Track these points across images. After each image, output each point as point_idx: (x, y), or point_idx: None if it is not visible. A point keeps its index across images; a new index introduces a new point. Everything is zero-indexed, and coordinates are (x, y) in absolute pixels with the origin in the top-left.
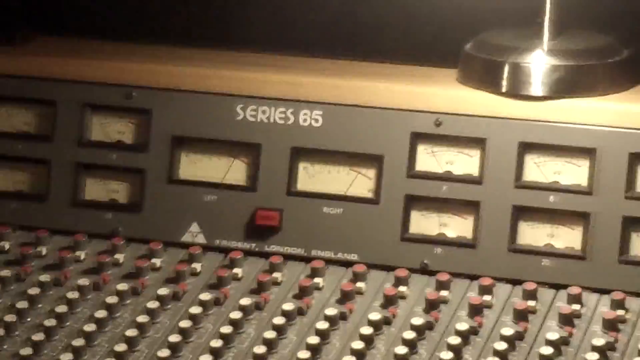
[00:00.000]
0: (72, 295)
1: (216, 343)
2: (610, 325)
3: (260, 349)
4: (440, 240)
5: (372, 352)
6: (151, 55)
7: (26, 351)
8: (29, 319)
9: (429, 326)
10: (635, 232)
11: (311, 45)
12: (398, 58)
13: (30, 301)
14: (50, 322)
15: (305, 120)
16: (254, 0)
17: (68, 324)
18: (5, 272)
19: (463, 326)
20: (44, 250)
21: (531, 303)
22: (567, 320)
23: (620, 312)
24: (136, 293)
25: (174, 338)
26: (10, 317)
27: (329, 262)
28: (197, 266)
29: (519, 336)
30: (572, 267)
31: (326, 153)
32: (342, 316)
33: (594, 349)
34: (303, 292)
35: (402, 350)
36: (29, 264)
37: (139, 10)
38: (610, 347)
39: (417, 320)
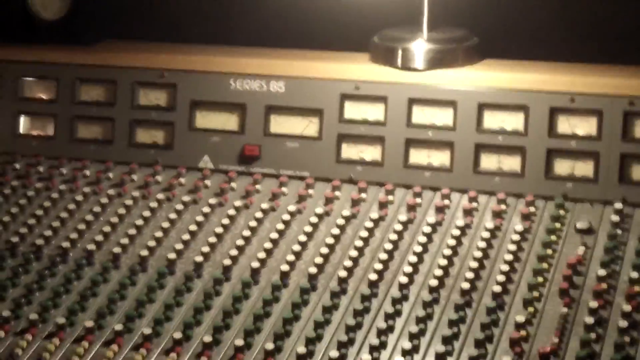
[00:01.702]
0: (129, 202)
1: (219, 229)
2: (467, 213)
3: (246, 233)
4: (360, 162)
5: (317, 233)
6: (174, 50)
7: (114, 219)
8: (108, 210)
9: (352, 216)
10: (483, 154)
11: (276, 39)
12: (329, 46)
13: (103, 206)
14: (119, 215)
15: (273, 88)
16: (237, 12)
17: (128, 217)
18: (87, 189)
19: (375, 214)
20: (111, 174)
21: (418, 200)
22: (439, 209)
23: (474, 204)
24: (169, 199)
25: (193, 227)
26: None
27: (290, 177)
28: (207, 182)
29: (410, 221)
30: (443, 176)
31: (288, 109)
32: (299, 211)
33: (457, 227)
34: (274, 197)
35: (336, 231)
36: (101, 184)
37: (169, 20)
38: (467, 226)
39: (346, 212)
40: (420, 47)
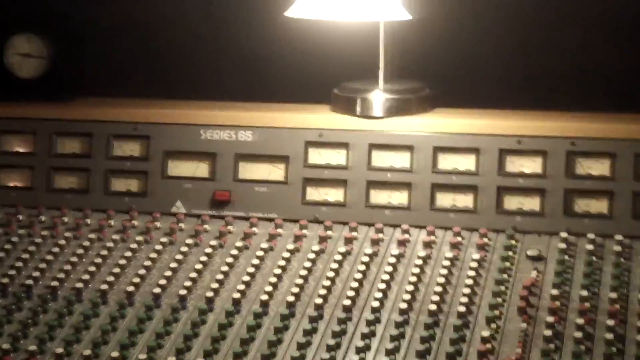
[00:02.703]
0: (110, 244)
1: (198, 266)
2: (427, 245)
3: (224, 268)
4: (325, 203)
5: (290, 267)
6: (147, 104)
7: (97, 259)
8: (90, 252)
9: (321, 251)
10: (439, 193)
11: (243, 92)
12: (292, 98)
13: (85, 248)
14: (102, 256)
15: (242, 137)
16: (206, 67)
17: (110, 258)
18: (68, 234)
19: (342, 249)
20: (89, 220)
21: (380, 235)
22: (401, 243)
23: (432, 237)
24: (148, 242)
25: (173, 264)
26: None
27: (260, 219)
28: (182, 225)
29: (374, 254)
30: (402, 214)
31: (256, 156)
32: (271, 248)
33: (419, 257)
34: (246, 236)
35: (307, 264)
36: (81, 230)
37: (141, 77)
38: (428, 257)
39: (315, 247)
40: (378, 97)
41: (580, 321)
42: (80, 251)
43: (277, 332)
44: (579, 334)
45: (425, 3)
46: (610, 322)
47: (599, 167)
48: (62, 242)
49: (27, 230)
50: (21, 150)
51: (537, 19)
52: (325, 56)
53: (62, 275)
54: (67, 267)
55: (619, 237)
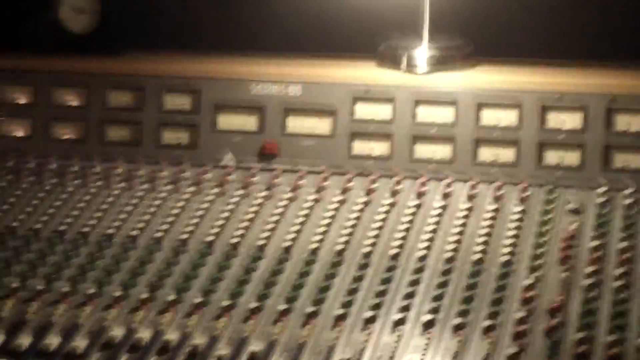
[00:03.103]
0: (162, 194)
1: (248, 215)
2: (470, 198)
3: (273, 218)
4: (370, 157)
5: (338, 217)
6: (197, 58)
7: (152, 209)
8: (143, 202)
9: (368, 203)
10: (482, 147)
11: (291, 44)
12: (338, 50)
13: (139, 197)
14: (156, 206)
15: (290, 91)
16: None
17: (162, 207)
18: (121, 185)
19: (388, 201)
20: (141, 172)
21: (424, 188)
22: (445, 195)
23: (475, 191)
24: (198, 192)
25: (225, 214)
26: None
27: (307, 172)
28: (232, 177)
29: (419, 205)
30: (445, 168)
31: (303, 110)
32: (317, 200)
33: (462, 210)
34: (294, 188)
35: (354, 215)
36: (133, 181)
37: (190, 30)
38: (470, 209)
39: (361, 199)
40: (422, 53)
41: (618, 271)
42: (134, 201)
43: (327, 279)
44: (617, 283)
45: None
46: None
47: (637, 123)
48: (116, 192)
49: (81, 181)
50: (74, 103)
51: None
52: (371, 9)
53: (117, 224)
54: (122, 215)
55: None
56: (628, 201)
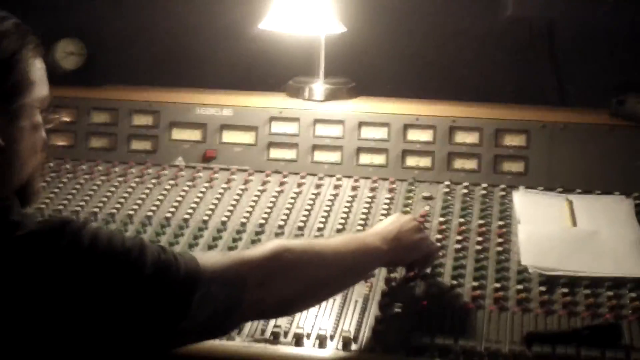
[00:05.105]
0: (132, 184)
1: (195, 199)
2: (354, 189)
3: (214, 201)
4: (283, 160)
5: (260, 200)
6: (158, 90)
7: (125, 195)
8: (118, 190)
9: (280, 192)
10: (362, 154)
11: (223, 82)
12: (256, 86)
13: (115, 186)
14: (127, 192)
15: (225, 113)
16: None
17: (132, 194)
18: (101, 178)
19: (295, 190)
20: (116, 169)
21: (321, 182)
22: (336, 187)
23: (358, 184)
24: (159, 184)
25: (179, 198)
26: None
27: (237, 170)
28: (182, 173)
29: (317, 194)
30: (336, 168)
31: (234, 126)
32: (244, 189)
33: (349, 196)
34: (228, 181)
35: (272, 199)
36: (110, 175)
37: (153, 69)
38: (354, 196)
39: (276, 189)
40: (319, 87)
41: (458, 238)
42: (111, 189)
43: (234, 242)
44: (457, 246)
45: (355, 19)
46: (478, 239)
47: (470, 138)
48: (98, 183)
49: (72, 175)
50: (67, 119)
51: (429, 35)
52: (282, 56)
53: (99, 205)
54: (103, 199)
55: (484, 184)
56: (464, 191)
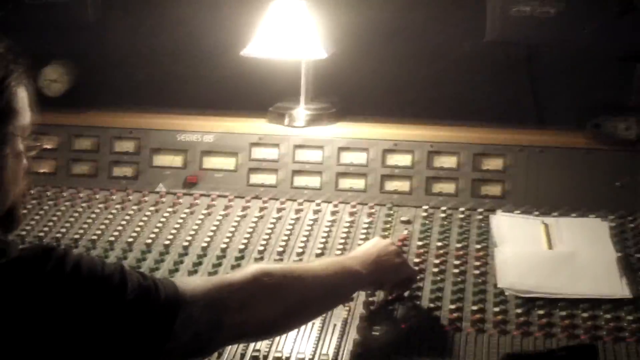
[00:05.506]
0: (113, 211)
1: (176, 225)
2: (333, 213)
3: (195, 227)
4: (263, 185)
5: (240, 226)
6: (139, 115)
7: (106, 221)
8: (100, 216)
9: (261, 217)
10: (341, 179)
11: (203, 106)
12: (241, 112)
13: (96, 213)
14: (108, 219)
15: (206, 139)
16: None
17: (114, 221)
18: (83, 205)
19: (275, 216)
20: (97, 196)
21: (301, 207)
22: (316, 212)
23: (337, 208)
24: (140, 210)
25: (159, 224)
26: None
27: (218, 196)
28: (163, 199)
29: (297, 219)
30: (316, 193)
31: (215, 152)
32: (224, 215)
33: (328, 221)
34: (209, 207)
35: (252, 224)
36: (92, 202)
37: (134, 95)
38: (334, 221)
39: (256, 214)
40: (300, 112)
41: (436, 261)
42: (92, 216)
43: (233, 268)
44: (435, 269)
45: (338, 42)
46: (457, 262)
47: (449, 162)
48: (80, 209)
49: (53, 202)
50: (49, 146)
51: (410, 57)
52: (263, 81)
53: (80, 232)
54: (84, 226)
55: (463, 209)
56: (443, 215)
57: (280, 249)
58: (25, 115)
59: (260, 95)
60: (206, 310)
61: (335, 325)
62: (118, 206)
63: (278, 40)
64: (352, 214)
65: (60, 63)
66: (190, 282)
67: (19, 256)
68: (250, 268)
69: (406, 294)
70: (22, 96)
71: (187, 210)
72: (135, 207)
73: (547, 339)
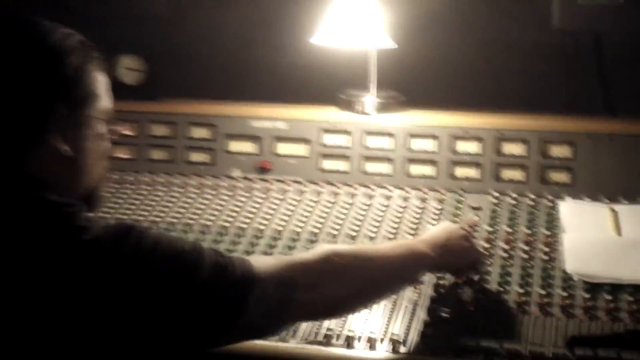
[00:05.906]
0: (192, 195)
1: (252, 209)
2: (405, 199)
3: (270, 211)
4: (335, 171)
5: (314, 209)
6: (214, 103)
7: (185, 205)
8: (178, 199)
9: (334, 202)
10: (412, 165)
11: (276, 96)
12: (312, 101)
13: (175, 197)
14: (187, 202)
15: (280, 126)
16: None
17: (192, 204)
18: (161, 189)
19: (348, 201)
20: (175, 180)
21: (372, 192)
22: (387, 197)
23: (408, 194)
24: (216, 195)
25: (235, 208)
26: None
27: (293, 182)
28: (239, 185)
29: (369, 205)
30: (387, 179)
31: (288, 138)
32: (298, 200)
33: (398, 206)
34: (283, 192)
35: (326, 209)
36: (170, 187)
37: (210, 83)
38: (405, 206)
39: (330, 199)
40: (370, 100)
41: (505, 246)
42: (171, 199)
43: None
44: (504, 254)
45: (404, 35)
46: (525, 247)
47: (517, 149)
48: (159, 193)
49: (134, 186)
50: (128, 133)
51: (477, 47)
52: (335, 70)
53: (161, 214)
54: (165, 209)
55: (531, 195)
56: (512, 202)
57: (353, 233)
58: (105, 99)
59: (326, 84)
60: (278, 287)
61: (405, 306)
62: (195, 190)
63: (347, 29)
64: (422, 200)
65: (137, 53)
66: (264, 260)
67: (102, 233)
68: (321, 248)
69: (474, 277)
70: (102, 81)
71: (262, 195)
72: (211, 192)
73: (613, 324)
